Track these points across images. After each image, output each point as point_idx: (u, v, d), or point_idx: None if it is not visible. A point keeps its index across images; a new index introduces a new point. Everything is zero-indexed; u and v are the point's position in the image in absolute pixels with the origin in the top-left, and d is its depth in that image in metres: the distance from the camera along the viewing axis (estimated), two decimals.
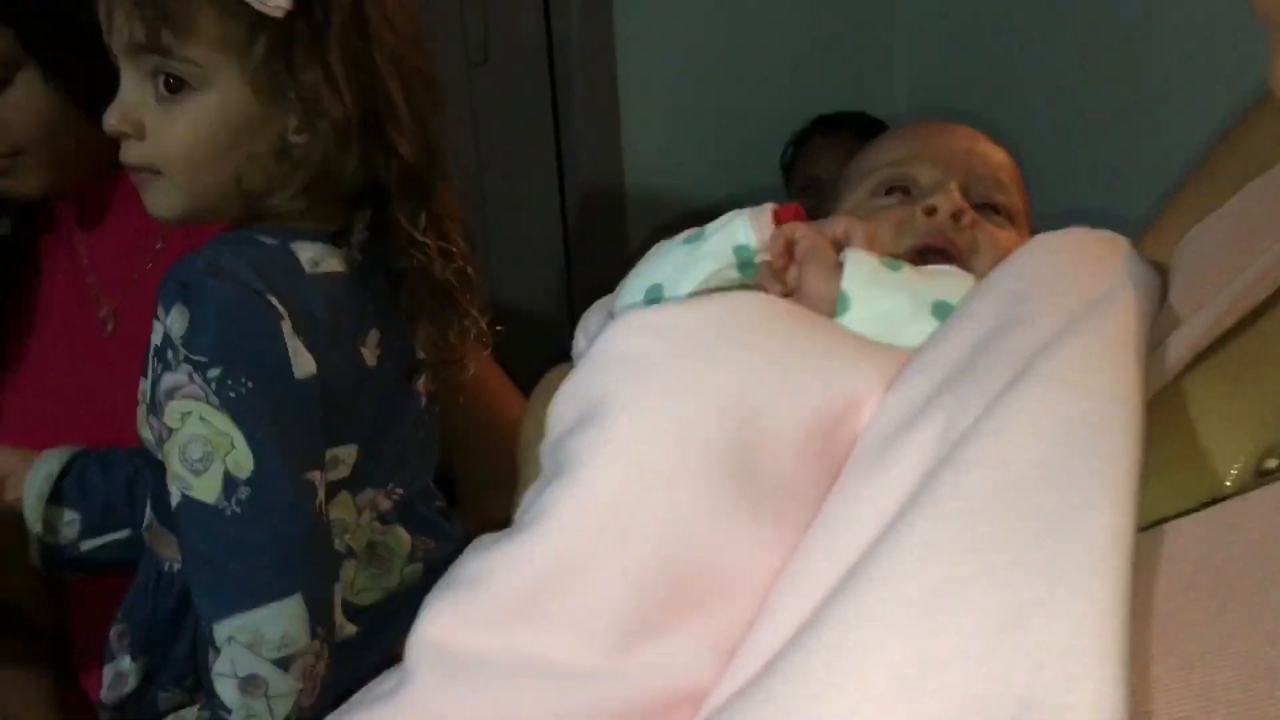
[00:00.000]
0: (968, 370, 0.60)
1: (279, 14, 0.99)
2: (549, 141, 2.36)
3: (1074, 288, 0.63)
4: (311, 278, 1.02)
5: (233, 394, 0.92)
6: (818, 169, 2.21)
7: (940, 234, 0.82)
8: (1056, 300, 0.62)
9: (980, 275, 0.75)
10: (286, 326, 0.95)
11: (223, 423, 0.92)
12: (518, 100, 2.32)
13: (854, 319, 0.71)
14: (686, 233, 0.80)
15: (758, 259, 0.75)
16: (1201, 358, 0.62)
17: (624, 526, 0.62)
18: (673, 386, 0.64)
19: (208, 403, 0.92)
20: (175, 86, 0.99)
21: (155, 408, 0.96)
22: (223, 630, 0.91)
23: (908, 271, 0.74)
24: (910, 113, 2.52)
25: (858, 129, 2.22)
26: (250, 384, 0.93)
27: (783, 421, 0.63)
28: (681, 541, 0.61)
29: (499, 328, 1.17)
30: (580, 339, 0.83)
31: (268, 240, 1.02)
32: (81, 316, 1.35)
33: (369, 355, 1.06)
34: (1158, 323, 0.64)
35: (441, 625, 0.63)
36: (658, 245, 0.81)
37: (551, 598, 0.61)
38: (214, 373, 0.93)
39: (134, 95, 1.00)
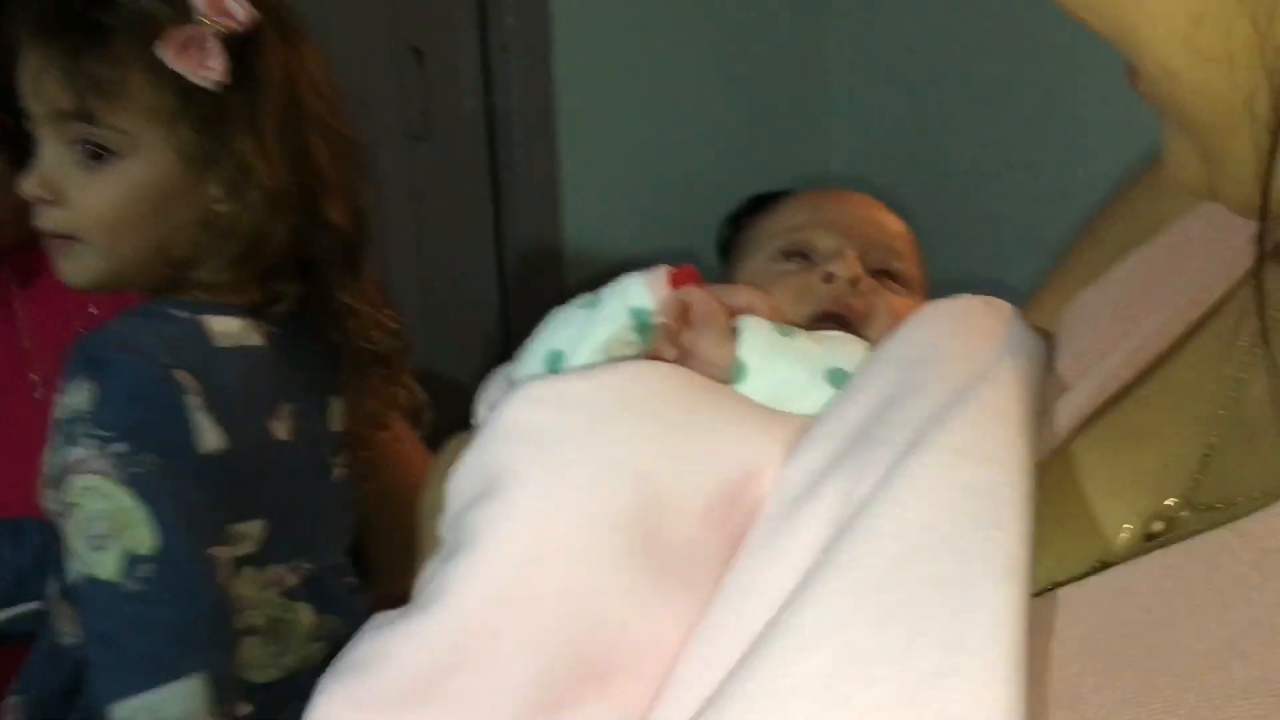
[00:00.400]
0: (863, 439, 0.60)
1: (212, 85, 0.99)
2: (488, 214, 2.37)
3: (963, 355, 0.63)
4: (223, 351, 1.01)
5: (138, 470, 0.91)
6: None
7: (838, 300, 0.83)
8: (947, 368, 0.62)
9: (875, 342, 0.75)
10: (194, 401, 0.94)
11: (126, 499, 0.91)
12: (458, 174, 2.33)
13: (751, 387, 0.71)
14: (583, 297, 0.79)
15: (654, 321, 0.75)
16: (1088, 423, 0.63)
17: (525, 603, 0.60)
18: (574, 460, 0.63)
19: (112, 479, 0.91)
20: (98, 154, 0.99)
21: (56, 481, 0.95)
22: (122, 712, 0.89)
23: (803, 338, 0.75)
24: (846, 184, 2.55)
25: None
26: (155, 460, 0.92)
27: (686, 493, 0.63)
28: (585, 616, 0.60)
29: (427, 400, 1.17)
30: (481, 408, 0.82)
31: (179, 314, 1.01)
32: (14, 378, 1.33)
33: (280, 429, 1.05)
34: (1045, 389, 0.65)
35: (334, 709, 0.60)
36: (555, 311, 0.81)
37: (450, 679, 0.60)
38: (119, 448, 0.91)
39: (54, 160, 1.00)
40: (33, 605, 1.10)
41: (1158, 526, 0.58)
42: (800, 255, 0.88)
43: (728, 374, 0.72)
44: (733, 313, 0.76)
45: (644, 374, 0.68)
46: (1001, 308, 0.70)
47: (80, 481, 0.91)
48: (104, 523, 0.90)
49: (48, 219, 1.01)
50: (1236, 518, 0.54)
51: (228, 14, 1.00)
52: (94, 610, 0.92)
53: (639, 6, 2.47)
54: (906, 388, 0.62)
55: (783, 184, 2.38)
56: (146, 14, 1.00)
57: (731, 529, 0.62)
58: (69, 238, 1.01)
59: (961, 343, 0.65)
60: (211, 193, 1.01)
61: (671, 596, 0.61)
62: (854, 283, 0.83)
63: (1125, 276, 0.69)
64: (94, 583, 0.90)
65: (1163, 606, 0.51)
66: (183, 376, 0.95)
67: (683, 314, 0.75)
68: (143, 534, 0.90)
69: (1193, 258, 0.66)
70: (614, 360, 0.73)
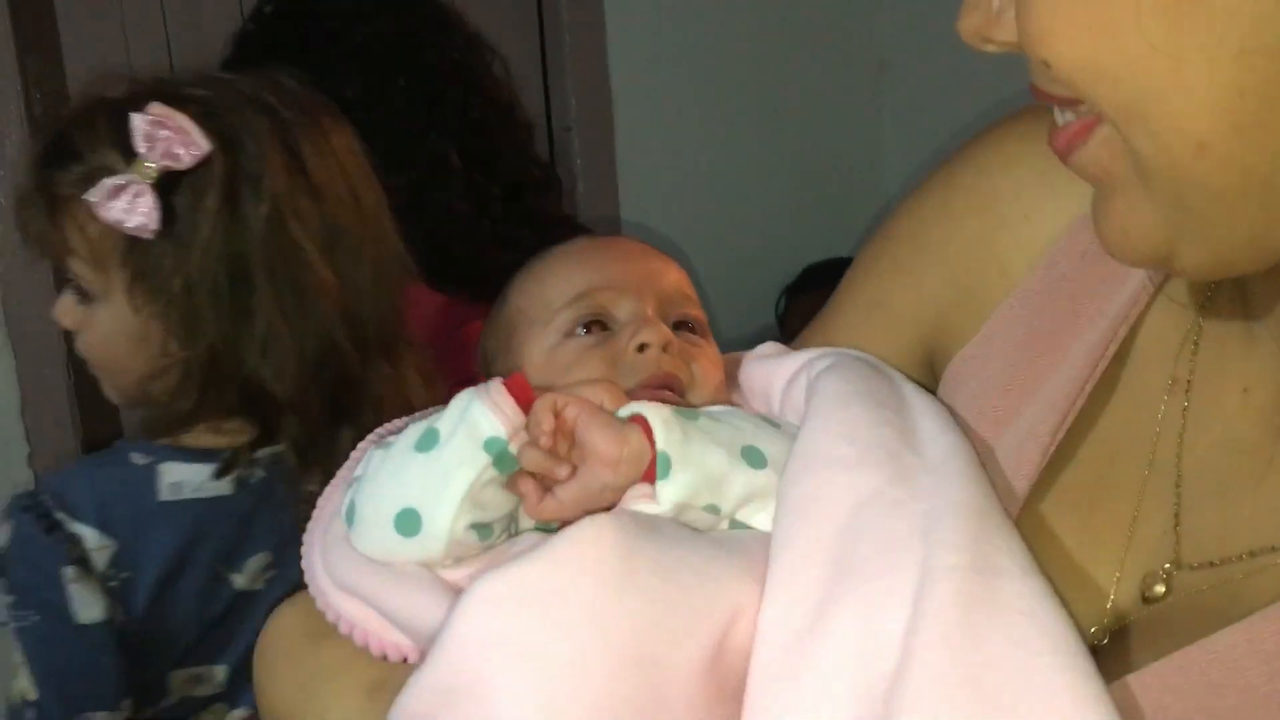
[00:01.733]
0: (851, 566, 0.59)
1: (147, 235, 1.00)
2: None
3: (898, 443, 0.63)
4: (168, 506, 1.03)
5: (23, 624, 0.97)
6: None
7: (659, 369, 0.77)
8: (893, 465, 0.62)
9: (701, 399, 0.76)
10: (71, 573, 0.97)
11: (16, 648, 0.97)
12: None
13: (678, 480, 0.65)
14: (409, 435, 0.69)
15: (513, 447, 0.66)
16: (1041, 483, 0.64)
17: None
18: (566, 662, 0.58)
19: (9, 626, 0.97)
20: (85, 295, 1.04)
21: None
22: None
23: (703, 419, 0.69)
24: None
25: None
26: (35, 619, 0.97)
27: (682, 660, 0.59)
28: None
29: None
30: (309, 572, 0.72)
31: (139, 460, 1.03)
32: None
33: (244, 579, 1.07)
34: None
35: None
36: (372, 454, 0.70)
37: None
38: (8, 599, 0.98)
39: (66, 295, 1.06)
40: None
41: (1159, 589, 0.60)
42: (597, 324, 0.80)
43: (640, 470, 0.66)
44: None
45: (601, 539, 0.62)
46: (884, 369, 0.71)
47: None
48: (12, 660, 0.97)
49: (76, 346, 1.08)
50: (1232, 578, 0.56)
51: (173, 155, 0.97)
52: None
53: (699, 91, 2.53)
54: (868, 497, 0.61)
55: (850, 250, 2.41)
56: (93, 167, 1.00)
57: (722, 677, 0.60)
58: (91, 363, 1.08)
59: (885, 428, 0.64)
60: (167, 337, 1.03)
61: None
62: (666, 347, 0.77)
63: (1008, 330, 0.69)
64: (22, 705, 0.97)
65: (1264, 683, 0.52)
66: (77, 545, 0.98)
67: (554, 425, 0.67)
68: (25, 684, 0.97)
69: (1077, 304, 0.66)
70: (476, 516, 0.66)
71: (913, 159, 2.61)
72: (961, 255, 0.72)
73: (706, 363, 0.79)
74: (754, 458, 0.67)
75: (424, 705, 0.60)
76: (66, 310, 1.06)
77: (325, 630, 0.69)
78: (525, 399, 0.68)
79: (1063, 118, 0.55)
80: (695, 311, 0.82)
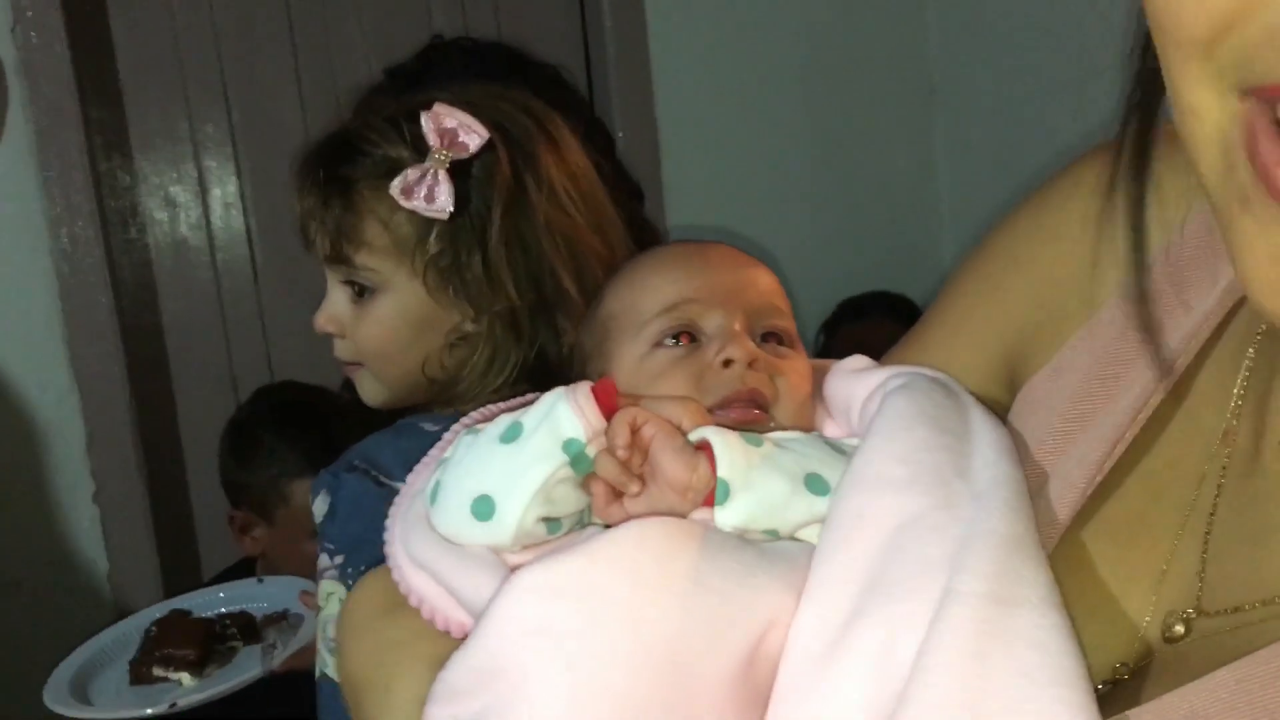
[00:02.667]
0: (881, 585, 0.60)
1: (443, 216, 1.07)
2: None
3: (951, 468, 0.64)
4: None
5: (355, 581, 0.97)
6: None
7: (744, 385, 0.78)
8: (942, 490, 0.62)
9: (785, 414, 0.77)
10: None
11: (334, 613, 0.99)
12: None
13: (737, 507, 0.67)
14: (497, 426, 0.72)
15: (591, 450, 0.69)
16: (1084, 513, 0.65)
17: None
18: (590, 651, 0.60)
19: (344, 585, 0.96)
20: (362, 291, 1.08)
21: (315, 581, 1.05)
22: None
23: (769, 446, 0.71)
24: None
25: (886, 308, 2.27)
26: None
27: (713, 664, 0.61)
28: None
29: None
30: (391, 545, 0.75)
31: (430, 428, 1.07)
32: None
33: None
34: (1026, 474, 0.66)
35: None
36: (462, 439, 0.74)
37: None
38: (339, 559, 1.00)
39: (336, 298, 1.11)
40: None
41: (1179, 630, 0.60)
42: (686, 335, 0.81)
43: (700, 498, 0.68)
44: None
45: (644, 541, 0.64)
46: (957, 391, 0.70)
47: (323, 586, 1.00)
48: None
49: (339, 350, 1.12)
50: (1248, 625, 0.56)
51: (460, 145, 1.07)
52: (322, 705, 0.98)
53: (746, 113, 2.54)
54: (910, 517, 0.61)
55: (899, 278, 2.41)
56: (385, 160, 1.09)
57: (753, 684, 0.61)
58: (356, 364, 1.10)
59: (942, 451, 0.64)
60: (457, 316, 1.10)
61: None
62: (752, 363, 0.79)
63: (1076, 360, 0.69)
64: (324, 680, 0.96)
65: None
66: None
67: (630, 440, 0.69)
68: None
69: (1142, 340, 0.66)
70: (554, 510, 0.69)
71: (964, 182, 2.60)
72: (1048, 277, 0.72)
73: (794, 377, 0.80)
74: (816, 485, 0.68)
75: (463, 682, 0.62)
76: (337, 312, 1.12)
77: (400, 603, 0.72)
78: (609, 405, 0.70)
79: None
80: (784, 323, 0.84)
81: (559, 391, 0.71)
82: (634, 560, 0.63)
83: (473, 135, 1.08)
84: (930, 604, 0.57)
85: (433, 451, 0.78)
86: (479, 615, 0.66)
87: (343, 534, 1.01)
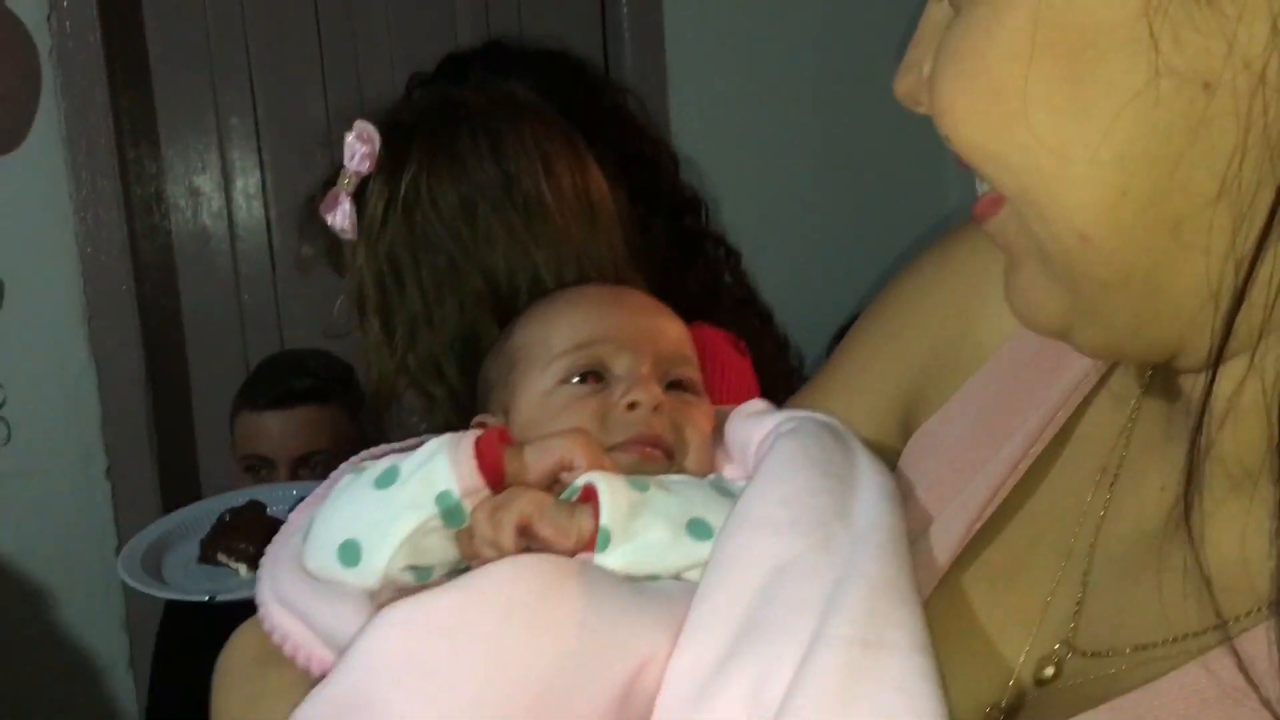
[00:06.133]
0: (756, 626, 0.60)
1: (347, 238, 1.15)
2: None
3: (832, 511, 0.65)
4: None
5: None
6: None
7: (648, 428, 0.78)
8: (821, 533, 0.63)
9: (685, 459, 0.78)
10: None
11: None
12: None
13: (616, 555, 0.67)
14: (375, 469, 0.71)
15: (465, 505, 0.68)
16: (964, 556, 0.66)
17: None
18: (457, 687, 0.59)
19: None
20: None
21: None
22: None
23: (654, 490, 0.70)
24: None
25: None
26: None
27: (585, 704, 0.60)
28: None
29: None
30: (262, 591, 0.73)
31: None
32: None
33: None
34: (909, 520, 0.67)
35: None
36: (343, 479, 0.73)
37: None
38: None
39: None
40: None
41: (1049, 672, 0.61)
42: (593, 375, 0.82)
43: (580, 547, 0.68)
44: (558, 468, 0.72)
45: (519, 578, 0.63)
46: (845, 436, 0.72)
47: None
48: None
49: None
50: (1117, 669, 0.57)
51: (363, 165, 1.12)
52: None
53: (761, 126, 2.57)
54: (786, 561, 0.62)
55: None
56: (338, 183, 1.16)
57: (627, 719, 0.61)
58: None
59: (823, 494, 0.65)
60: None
61: None
62: (656, 408, 0.79)
63: (967, 406, 0.71)
64: None
65: None
66: None
67: (493, 536, 0.68)
68: None
69: (1030, 385, 0.68)
70: (420, 557, 0.69)
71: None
72: (944, 328, 0.74)
73: (696, 424, 0.80)
74: (699, 530, 0.68)
75: (321, 716, 0.61)
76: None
77: (276, 653, 0.71)
78: (492, 457, 0.70)
79: (981, 186, 0.56)
80: (691, 372, 0.84)
81: (441, 441, 0.70)
82: (508, 597, 0.62)
83: (372, 150, 1.13)
84: (800, 646, 0.58)
85: (318, 490, 0.77)
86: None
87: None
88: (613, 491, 0.68)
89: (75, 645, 2.26)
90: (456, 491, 0.68)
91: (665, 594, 0.65)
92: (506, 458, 0.71)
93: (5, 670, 2.23)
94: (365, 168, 1.12)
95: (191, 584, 1.56)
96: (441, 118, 1.16)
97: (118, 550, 2.24)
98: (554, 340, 0.84)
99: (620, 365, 0.82)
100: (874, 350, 0.79)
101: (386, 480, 0.70)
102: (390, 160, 1.13)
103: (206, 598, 1.50)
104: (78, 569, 2.23)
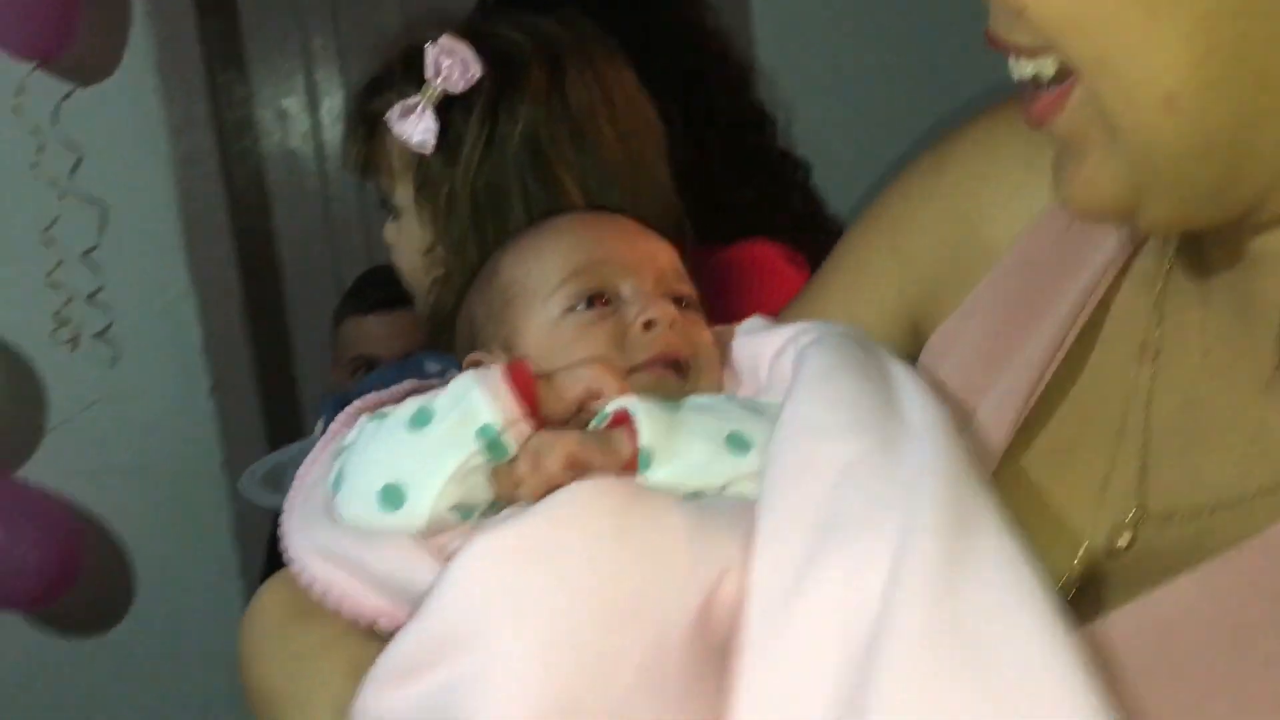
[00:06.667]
0: (835, 526, 0.60)
1: (425, 151, 1.11)
2: None
3: (883, 412, 0.65)
4: None
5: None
6: None
7: (667, 346, 0.78)
8: (878, 432, 0.64)
9: (703, 375, 0.78)
10: None
11: None
12: None
13: (660, 474, 0.67)
14: (403, 411, 0.71)
15: (505, 437, 0.68)
16: (1019, 443, 0.67)
17: None
18: (565, 614, 0.60)
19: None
20: (395, 212, 1.19)
21: None
22: None
23: (687, 410, 0.71)
24: None
25: None
26: None
27: (676, 615, 0.61)
28: None
29: None
30: (291, 545, 0.73)
31: (433, 368, 1.15)
32: None
33: None
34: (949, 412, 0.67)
35: None
36: (365, 427, 0.72)
37: None
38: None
39: (387, 218, 1.20)
40: None
41: (1125, 541, 0.62)
42: (599, 299, 0.80)
43: (627, 468, 0.68)
44: (588, 396, 0.72)
45: (596, 500, 0.64)
46: (868, 342, 0.72)
47: None
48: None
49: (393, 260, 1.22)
50: (1197, 530, 0.58)
51: (453, 81, 1.09)
52: None
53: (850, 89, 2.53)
54: (850, 459, 0.63)
55: None
56: (398, 94, 1.12)
57: (711, 633, 0.61)
58: None
59: (869, 397, 0.66)
60: (443, 250, 1.15)
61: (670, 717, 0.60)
62: (672, 325, 0.79)
63: (985, 303, 0.71)
64: None
65: (1225, 622, 0.55)
66: None
67: (543, 479, 0.67)
68: None
69: (1053, 276, 0.68)
70: (475, 489, 0.69)
71: None
72: (948, 232, 0.75)
73: (706, 341, 0.80)
74: (738, 444, 0.68)
75: (415, 655, 0.61)
76: (386, 229, 1.21)
77: (311, 609, 0.71)
78: (525, 387, 0.70)
79: (1018, 70, 0.57)
80: (690, 290, 0.84)
81: (472, 375, 0.70)
82: (594, 516, 0.63)
83: (465, 71, 1.10)
84: (889, 540, 0.58)
85: (321, 442, 0.78)
86: (402, 594, 0.66)
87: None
88: (648, 413, 0.68)
89: (187, 556, 2.36)
90: (498, 424, 0.68)
91: (728, 508, 0.66)
92: (539, 387, 0.71)
93: (122, 582, 2.35)
94: (457, 86, 1.11)
95: None
96: (547, 50, 1.15)
97: (224, 464, 2.34)
98: (551, 270, 0.83)
99: (626, 286, 0.81)
100: (871, 259, 0.79)
101: (421, 421, 0.69)
102: (498, 88, 1.13)
103: None
104: (187, 483, 2.33)
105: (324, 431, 1.04)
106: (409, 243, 1.16)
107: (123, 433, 2.30)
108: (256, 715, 0.72)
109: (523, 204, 1.10)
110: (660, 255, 0.85)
